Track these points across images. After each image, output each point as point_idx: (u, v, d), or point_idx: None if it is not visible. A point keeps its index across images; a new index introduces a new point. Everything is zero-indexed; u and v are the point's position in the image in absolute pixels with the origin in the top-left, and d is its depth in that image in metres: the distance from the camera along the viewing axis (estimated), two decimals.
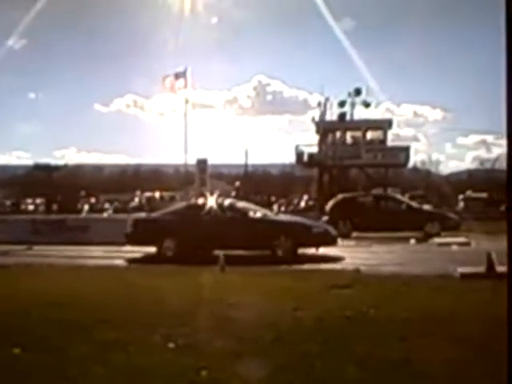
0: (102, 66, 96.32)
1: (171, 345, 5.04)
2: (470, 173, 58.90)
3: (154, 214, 14.77)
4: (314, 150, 32.84)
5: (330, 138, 32.68)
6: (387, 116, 47.22)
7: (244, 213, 13.51)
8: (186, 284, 8.66)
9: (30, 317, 6.25)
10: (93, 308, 6.74)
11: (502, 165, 45.90)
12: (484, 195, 38.75)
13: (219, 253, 10.82)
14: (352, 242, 16.02)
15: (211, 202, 13.59)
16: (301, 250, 12.67)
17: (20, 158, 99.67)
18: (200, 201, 14.54)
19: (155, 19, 50.18)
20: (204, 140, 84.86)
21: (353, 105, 32.68)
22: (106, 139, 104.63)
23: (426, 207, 22.36)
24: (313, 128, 33.38)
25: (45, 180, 49.63)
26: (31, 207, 45.69)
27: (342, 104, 32.62)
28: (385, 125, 32.25)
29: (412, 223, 18.56)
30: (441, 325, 5.73)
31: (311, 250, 12.78)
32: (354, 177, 35.06)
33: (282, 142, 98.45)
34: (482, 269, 8.98)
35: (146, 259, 12.96)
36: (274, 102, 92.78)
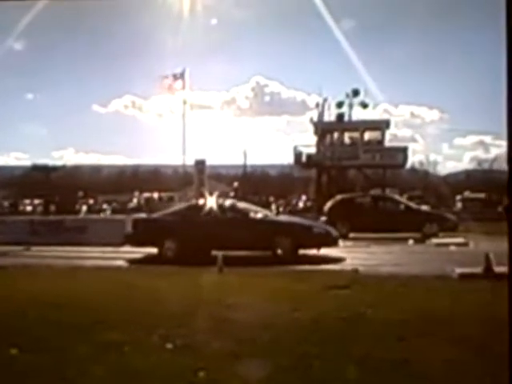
0: (100, 67, 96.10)
1: (169, 345, 5.04)
2: (467, 173, 58.95)
3: (155, 215, 14.71)
4: (313, 150, 32.84)
5: (328, 138, 32.70)
6: (385, 117, 47.12)
7: (245, 213, 13.51)
8: (184, 285, 8.66)
9: (28, 318, 6.24)
10: (91, 309, 6.73)
11: (500, 165, 46.05)
12: (482, 196, 38.78)
13: (217, 253, 10.81)
14: (350, 243, 16.02)
15: (212, 202, 13.58)
16: (302, 251, 12.66)
17: (18, 158, 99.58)
18: (201, 201, 14.49)
19: (153, 20, 50.22)
20: (202, 141, 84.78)
21: (351, 106, 32.71)
22: (104, 140, 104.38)
23: (424, 208, 22.36)
24: (311, 129, 33.40)
25: (43, 181, 49.52)
26: (29, 208, 45.62)
27: (339, 105, 32.64)
28: (382, 125, 32.26)
29: (410, 224, 18.56)
30: (439, 325, 5.74)
31: (312, 251, 12.75)
32: (352, 177, 35.03)
33: (280, 142, 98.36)
34: (479, 269, 8.99)
35: (147, 260, 12.93)
36: (272, 103, 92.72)
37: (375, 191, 27.88)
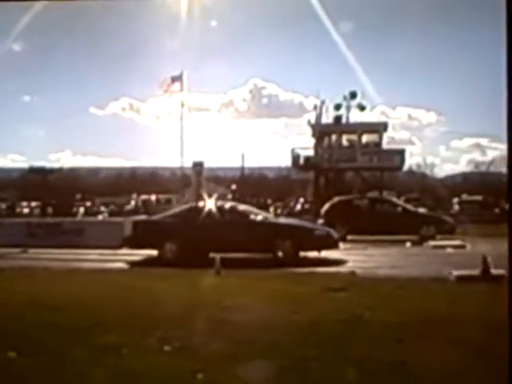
0: (97, 69, 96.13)
1: (167, 348, 5.04)
2: (464, 176, 59.01)
3: (155, 217, 14.67)
4: (310, 153, 32.87)
5: (325, 141, 32.73)
6: (382, 119, 47.26)
7: (245, 216, 13.51)
8: (182, 287, 8.66)
9: (25, 320, 6.23)
10: (88, 311, 6.72)
11: (497, 168, 46.16)
12: (479, 198, 38.84)
13: (215, 256, 10.80)
14: (348, 245, 16.04)
15: (211, 204, 13.57)
16: (302, 254, 12.65)
17: (15, 161, 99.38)
18: (201, 204, 14.47)
19: (151, 23, 50.26)
20: (200, 143, 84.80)
21: (348, 108, 32.76)
22: (102, 142, 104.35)
23: (422, 210, 22.39)
24: (309, 131, 33.42)
25: (40, 183, 49.46)
26: (26, 210, 45.56)
27: (337, 107, 32.69)
28: (380, 128, 32.31)
29: (407, 226, 18.59)
30: (436, 327, 5.75)
31: (312, 253, 12.74)
32: (350, 180, 35.06)
33: (277, 145, 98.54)
34: (477, 272, 9.01)
35: (147, 262, 12.91)
36: (269, 106, 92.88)
37: (373, 193, 27.90)
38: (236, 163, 55.89)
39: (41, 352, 4.98)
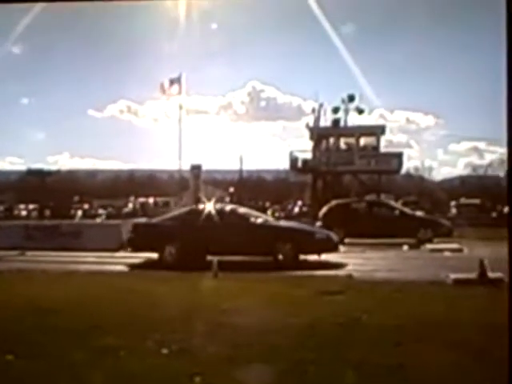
0: (95, 72, 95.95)
1: (165, 350, 5.05)
2: (462, 179, 59.13)
3: (155, 220, 14.66)
4: (308, 156, 32.90)
5: (323, 144, 32.76)
6: (380, 122, 47.30)
7: (246, 219, 13.52)
8: (179, 290, 8.66)
9: (23, 323, 6.23)
10: (86, 313, 6.72)
11: (495, 171, 46.29)
12: (476, 201, 38.91)
13: (213, 259, 10.80)
14: (345, 248, 16.05)
15: (211, 207, 13.57)
16: (302, 257, 12.65)
17: (13, 163, 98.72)
18: (201, 206, 14.45)
19: (149, 25, 50.31)
20: (198, 146, 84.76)
21: (346, 111, 32.83)
22: (100, 145, 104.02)
23: (419, 213, 22.44)
24: (307, 134, 33.46)
25: (38, 185, 49.39)
26: (24, 213, 45.49)
27: (335, 110, 32.75)
28: (378, 131, 32.36)
29: (405, 229, 18.61)
30: (434, 330, 5.76)
31: (312, 256, 12.73)
32: (348, 183, 35.11)
33: (276, 147, 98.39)
34: (474, 275, 9.03)
35: (147, 265, 12.89)
36: (268, 108, 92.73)
37: (370, 197, 27.95)
38: (234, 166, 55.94)
39: (39, 354, 4.98)
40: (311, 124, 33.50)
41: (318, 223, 19.65)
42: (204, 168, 27.12)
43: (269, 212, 37.44)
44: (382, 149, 32.36)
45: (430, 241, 17.81)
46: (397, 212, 20.42)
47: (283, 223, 15.98)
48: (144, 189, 55.42)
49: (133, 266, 12.68)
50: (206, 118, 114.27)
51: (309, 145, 33.25)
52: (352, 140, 32.08)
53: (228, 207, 14.30)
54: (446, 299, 7.58)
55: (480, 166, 55.60)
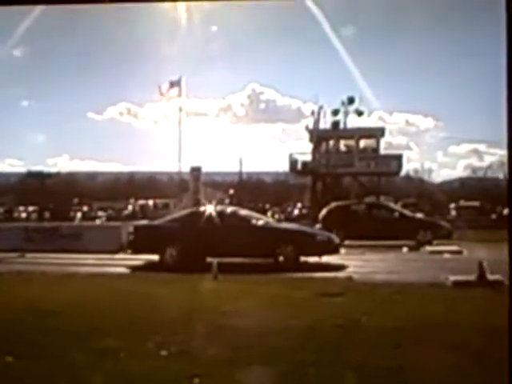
0: (95, 74, 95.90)
1: (164, 352, 5.05)
2: (462, 181, 59.09)
3: (156, 222, 14.65)
4: (308, 158, 32.92)
5: (323, 146, 32.77)
6: (380, 124, 47.27)
7: (247, 221, 13.52)
8: (179, 292, 8.66)
9: (23, 324, 6.23)
10: (86, 315, 6.72)
11: (494, 173, 46.28)
12: (476, 203, 38.91)
13: (212, 261, 10.80)
14: (345, 250, 16.05)
15: (212, 209, 13.57)
16: (303, 259, 12.64)
17: (13, 165, 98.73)
18: (202, 208, 14.44)
19: (149, 28, 50.29)
20: (198, 148, 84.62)
21: (346, 113, 32.85)
22: (100, 147, 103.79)
23: (419, 215, 22.44)
24: (306, 136, 33.45)
25: (38, 188, 49.40)
26: (24, 215, 45.47)
27: (335, 112, 32.76)
28: (377, 133, 32.38)
29: (404, 231, 18.61)
30: (433, 332, 5.77)
31: (312, 258, 12.73)
32: (347, 185, 35.10)
33: (275, 150, 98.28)
34: (473, 277, 9.04)
35: (148, 267, 12.88)
36: (267, 111, 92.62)
37: (370, 199, 27.93)
38: (234, 168, 55.91)
39: (39, 356, 4.98)
40: (311, 126, 33.51)
41: (318, 225, 19.67)
42: (204, 170, 27.08)
43: (269, 214, 37.46)
44: (382, 151, 32.38)
45: (429, 243, 17.80)
46: (396, 214, 20.42)
47: (284, 225, 15.97)
48: (144, 191, 55.38)
49: (133, 268, 12.68)
50: (205, 120, 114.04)
51: (308, 147, 33.28)
52: (352, 142, 32.10)
53: (229, 209, 14.30)
54: (445, 301, 7.58)
55: (480, 168, 55.57)
